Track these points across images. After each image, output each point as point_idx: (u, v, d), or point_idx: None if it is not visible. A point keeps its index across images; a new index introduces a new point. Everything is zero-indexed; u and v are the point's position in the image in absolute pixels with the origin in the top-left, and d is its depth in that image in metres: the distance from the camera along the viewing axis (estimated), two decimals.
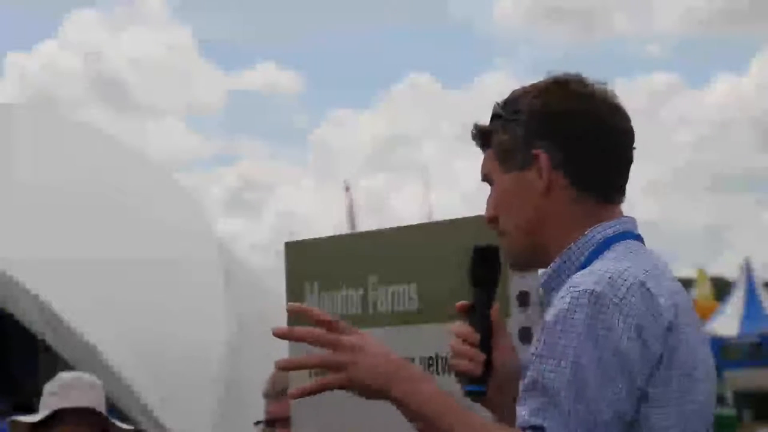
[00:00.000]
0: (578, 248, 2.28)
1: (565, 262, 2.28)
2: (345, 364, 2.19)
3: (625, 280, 2.14)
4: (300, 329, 2.24)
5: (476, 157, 2.41)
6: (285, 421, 3.57)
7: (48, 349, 10.42)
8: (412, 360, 2.94)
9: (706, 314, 29.20)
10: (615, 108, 2.33)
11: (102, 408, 3.97)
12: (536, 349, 2.15)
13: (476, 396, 2.33)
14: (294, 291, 3.41)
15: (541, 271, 2.54)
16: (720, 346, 27.41)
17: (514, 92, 2.36)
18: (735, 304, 31.56)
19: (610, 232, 2.28)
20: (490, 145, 2.36)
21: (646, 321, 2.12)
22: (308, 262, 3.43)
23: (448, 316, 2.89)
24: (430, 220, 3.49)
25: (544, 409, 2.09)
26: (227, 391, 10.11)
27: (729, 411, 24.40)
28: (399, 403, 2.19)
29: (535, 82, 2.37)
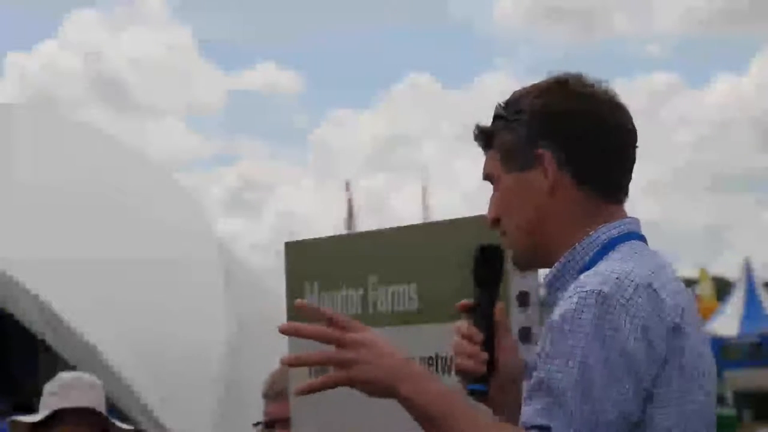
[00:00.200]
0: (583, 248, 2.27)
1: (569, 262, 2.28)
2: (351, 361, 2.18)
3: (632, 281, 2.14)
4: (307, 326, 2.22)
5: (476, 157, 2.41)
6: (285, 422, 3.57)
7: (48, 349, 10.42)
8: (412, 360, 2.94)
9: (706, 314, 29.21)
10: (618, 107, 2.33)
11: (102, 408, 3.97)
12: (542, 348, 2.14)
13: (478, 395, 2.33)
14: (294, 291, 3.41)
15: (541, 270, 2.55)
16: (720, 346, 27.41)
17: (515, 92, 2.36)
18: (735, 304, 31.56)
19: (614, 232, 2.28)
20: (493, 146, 2.36)
21: (653, 322, 2.12)
22: (308, 262, 3.43)
23: (448, 316, 2.89)
24: (430, 220, 3.49)
25: (550, 409, 2.09)
26: (227, 391, 10.11)
27: (729, 411, 24.38)
28: (405, 402, 2.18)
29: (536, 82, 2.37)
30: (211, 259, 11.73)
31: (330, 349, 2.21)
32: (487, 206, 2.38)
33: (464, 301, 2.39)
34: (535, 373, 2.14)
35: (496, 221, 2.36)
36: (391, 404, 2.23)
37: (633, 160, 2.34)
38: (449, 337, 2.42)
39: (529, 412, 2.11)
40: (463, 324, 2.37)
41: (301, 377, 2.91)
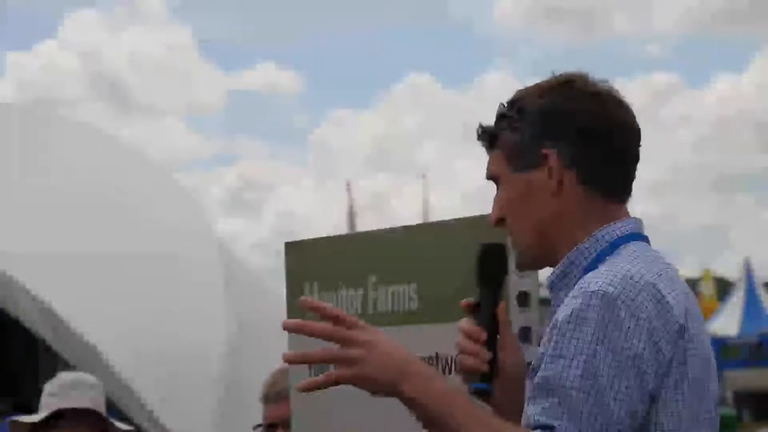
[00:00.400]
0: (587, 248, 2.27)
1: (573, 262, 2.28)
2: (355, 359, 2.17)
3: (637, 281, 2.14)
4: (311, 323, 2.21)
5: (476, 157, 2.41)
6: (285, 424, 3.56)
7: (48, 349, 10.43)
8: None
9: (706, 314, 29.22)
10: (622, 106, 2.33)
11: (102, 409, 3.97)
12: (547, 348, 2.14)
13: (482, 394, 2.33)
14: (294, 291, 3.41)
15: (541, 271, 2.55)
16: (720, 346, 27.40)
17: (519, 92, 2.36)
18: (735, 304, 31.57)
19: (618, 232, 2.28)
20: (497, 146, 2.36)
21: (658, 323, 2.12)
22: (308, 262, 3.42)
23: (448, 316, 2.89)
24: (430, 220, 3.48)
25: (555, 408, 2.09)
26: (227, 391, 10.12)
27: (729, 411, 24.38)
28: (409, 401, 2.17)
29: (539, 81, 2.36)
30: (211, 259, 11.74)
31: (333, 347, 2.21)
32: (491, 206, 2.38)
33: (468, 300, 2.39)
34: (539, 373, 2.13)
35: (500, 221, 2.35)
36: (392, 405, 2.23)
37: (637, 160, 2.34)
38: (449, 337, 2.41)
39: (533, 411, 2.11)
40: (467, 323, 2.37)
41: (302, 377, 2.91)
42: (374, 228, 3.40)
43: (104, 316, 10.25)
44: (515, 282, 2.83)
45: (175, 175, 19.57)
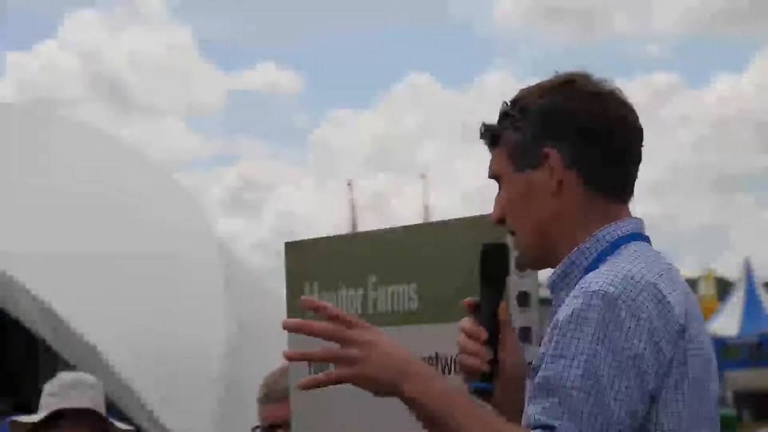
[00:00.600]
0: (588, 248, 2.27)
1: (573, 262, 2.27)
2: (356, 358, 2.17)
3: (638, 282, 2.14)
4: (311, 322, 2.21)
5: (476, 157, 2.41)
6: (286, 424, 3.55)
7: (48, 349, 10.43)
8: None
9: (707, 314, 29.22)
10: (624, 106, 2.33)
11: (102, 409, 3.97)
12: (548, 348, 2.14)
13: (483, 394, 2.33)
14: (294, 291, 3.40)
15: (541, 271, 2.55)
16: (720, 346, 27.40)
17: (522, 91, 2.36)
18: (735, 304, 31.57)
19: (619, 233, 2.28)
20: (499, 145, 2.36)
21: (659, 323, 2.12)
22: (308, 262, 3.42)
23: (448, 316, 2.89)
24: (430, 220, 3.48)
25: (555, 408, 2.08)
26: (227, 391, 10.11)
27: (729, 411, 24.40)
28: (409, 401, 2.17)
29: (541, 81, 2.36)
30: (211, 259, 11.73)
31: (334, 347, 2.20)
32: (492, 206, 2.38)
33: (469, 300, 2.39)
34: (540, 373, 2.13)
35: (501, 221, 2.35)
36: (392, 406, 2.23)
37: (639, 160, 2.34)
38: (449, 337, 2.41)
39: (533, 411, 2.11)
40: (468, 322, 2.37)
41: (301, 377, 2.90)
42: (374, 228, 3.40)
43: (104, 316, 10.25)
44: (515, 282, 2.83)
45: (175, 175, 19.60)
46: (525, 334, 2.83)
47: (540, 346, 2.20)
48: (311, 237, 3.49)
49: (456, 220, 3.08)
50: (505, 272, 2.40)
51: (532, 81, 2.38)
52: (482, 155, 2.40)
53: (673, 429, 2.14)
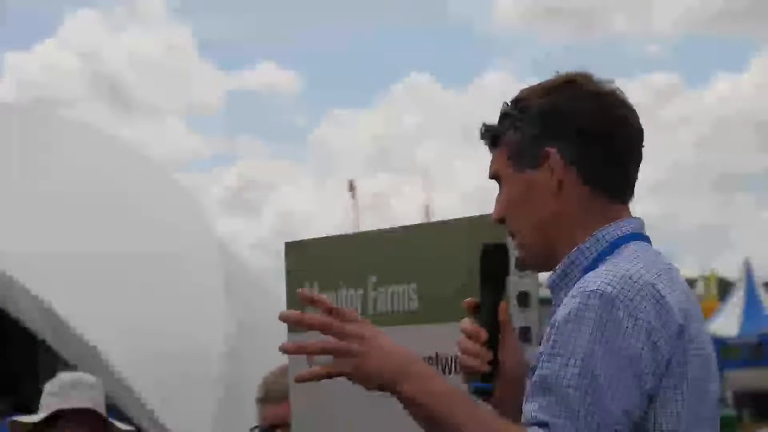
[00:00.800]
0: (587, 248, 2.27)
1: (573, 262, 2.28)
2: (356, 353, 2.17)
3: (636, 282, 2.14)
4: (308, 314, 2.21)
5: (476, 157, 2.42)
6: (286, 425, 3.55)
7: (48, 349, 10.43)
8: None
9: (707, 314, 29.21)
10: (623, 106, 2.33)
11: (102, 409, 3.97)
12: (545, 347, 2.14)
13: (483, 394, 2.33)
14: (294, 291, 3.40)
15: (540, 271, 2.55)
16: (720, 346, 27.38)
17: (523, 91, 2.36)
18: (735, 304, 31.54)
19: (619, 232, 2.28)
20: (499, 145, 2.36)
21: (657, 323, 2.12)
22: (308, 262, 3.42)
23: (448, 316, 2.89)
24: (430, 220, 3.48)
25: (552, 406, 2.09)
26: (227, 391, 10.12)
27: (729, 411, 24.38)
28: (408, 400, 2.16)
29: (542, 80, 2.36)
30: (211, 259, 11.73)
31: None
32: (492, 205, 2.38)
33: (470, 300, 2.39)
34: (537, 371, 2.14)
35: (501, 220, 2.36)
36: (392, 405, 2.23)
37: (640, 159, 2.34)
38: (449, 337, 2.41)
39: (530, 408, 2.11)
40: (468, 323, 2.37)
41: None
42: (374, 228, 3.40)
43: (104, 316, 10.25)
44: (515, 282, 2.83)
45: (175, 175, 19.59)
46: (525, 334, 2.83)
47: (540, 345, 2.20)
48: (311, 237, 3.49)
49: (456, 220, 3.08)
50: (505, 272, 2.40)
51: (532, 81, 2.39)
52: (482, 155, 2.41)
53: (673, 429, 2.14)
